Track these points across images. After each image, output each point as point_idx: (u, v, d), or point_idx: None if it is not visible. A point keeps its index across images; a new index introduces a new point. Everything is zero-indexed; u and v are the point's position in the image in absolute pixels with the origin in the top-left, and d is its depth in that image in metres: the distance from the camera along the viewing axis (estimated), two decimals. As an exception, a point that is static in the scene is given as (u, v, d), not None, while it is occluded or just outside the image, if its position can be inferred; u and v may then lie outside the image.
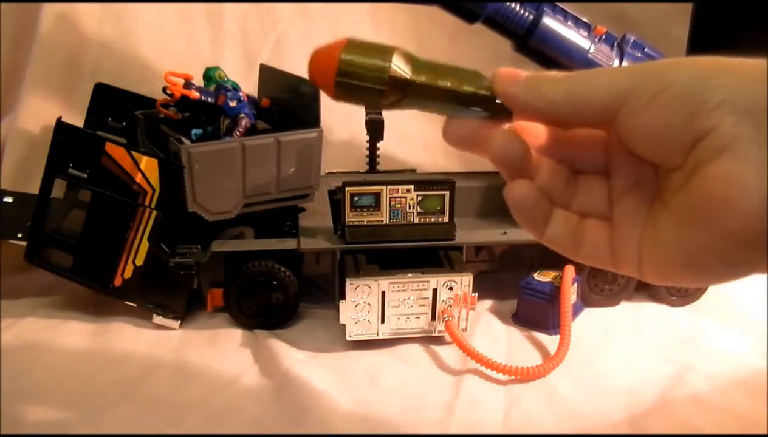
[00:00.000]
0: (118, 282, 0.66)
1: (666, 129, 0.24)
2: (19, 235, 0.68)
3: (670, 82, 0.24)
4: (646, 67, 0.25)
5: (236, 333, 0.67)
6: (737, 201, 0.23)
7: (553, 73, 0.27)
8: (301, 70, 0.71)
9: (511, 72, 0.28)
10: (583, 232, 0.29)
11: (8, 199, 0.73)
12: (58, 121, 0.64)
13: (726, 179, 0.23)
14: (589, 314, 0.72)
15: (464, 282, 0.63)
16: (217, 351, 0.64)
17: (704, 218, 0.24)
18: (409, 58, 0.29)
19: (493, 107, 0.28)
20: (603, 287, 0.73)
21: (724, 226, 0.23)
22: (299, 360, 0.62)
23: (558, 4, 0.66)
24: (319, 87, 0.29)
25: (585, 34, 0.67)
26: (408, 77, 0.28)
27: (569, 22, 0.66)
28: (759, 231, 0.23)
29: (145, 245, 0.65)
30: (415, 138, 0.96)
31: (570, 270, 0.68)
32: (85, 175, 0.64)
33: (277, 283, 0.67)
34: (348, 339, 0.64)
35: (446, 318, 0.63)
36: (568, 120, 0.27)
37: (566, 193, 0.30)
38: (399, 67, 0.28)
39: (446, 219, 0.66)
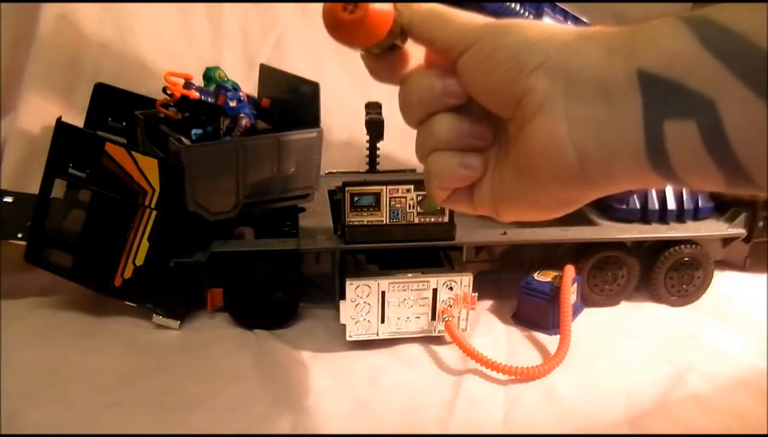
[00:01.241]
0: (118, 282, 0.66)
1: (496, 85, 0.28)
2: (19, 235, 0.68)
3: (501, 45, 0.28)
4: (487, 27, 0.29)
5: (236, 333, 0.67)
6: (556, 152, 0.27)
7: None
8: (301, 70, 0.72)
9: None
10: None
11: (8, 199, 0.73)
12: (58, 121, 0.64)
13: (544, 134, 0.27)
14: (589, 314, 0.72)
15: (464, 282, 0.63)
16: (217, 351, 0.64)
17: (534, 168, 0.28)
18: None
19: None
20: (603, 287, 0.73)
21: (551, 173, 0.28)
22: (299, 360, 0.62)
23: (558, 4, 0.66)
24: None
25: (585, 34, 0.67)
26: None
27: (569, 22, 0.66)
28: (575, 173, 0.27)
29: (145, 245, 0.65)
30: (415, 138, 0.96)
31: (570, 270, 0.68)
32: (85, 175, 0.64)
33: (277, 283, 0.67)
34: (348, 339, 0.64)
35: (446, 318, 0.63)
36: (426, 41, 0.31)
37: None
38: None
39: (446, 219, 0.66)
